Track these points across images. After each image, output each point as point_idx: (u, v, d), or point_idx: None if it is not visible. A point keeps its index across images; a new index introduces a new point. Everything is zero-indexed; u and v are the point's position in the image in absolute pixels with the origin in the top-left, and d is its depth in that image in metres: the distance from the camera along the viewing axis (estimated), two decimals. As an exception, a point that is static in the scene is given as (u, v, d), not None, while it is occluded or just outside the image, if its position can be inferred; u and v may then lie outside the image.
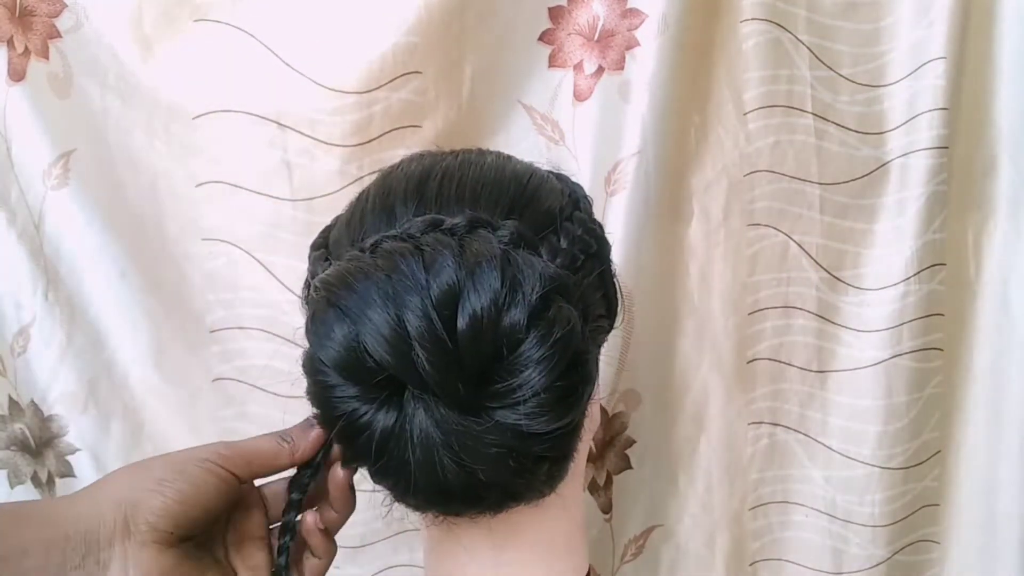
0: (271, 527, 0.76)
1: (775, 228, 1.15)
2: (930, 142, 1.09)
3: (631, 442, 1.20)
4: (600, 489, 1.20)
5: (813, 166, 1.13)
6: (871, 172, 1.13)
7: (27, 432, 1.16)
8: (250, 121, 1.07)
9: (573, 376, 0.60)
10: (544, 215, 0.67)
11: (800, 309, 1.17)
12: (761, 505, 1.22)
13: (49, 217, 1.11)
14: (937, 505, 1.22)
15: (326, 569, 0.75)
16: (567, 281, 0.61)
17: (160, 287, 1.14)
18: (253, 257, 1.12)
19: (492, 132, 1.13)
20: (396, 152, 1.07)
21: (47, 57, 1.07)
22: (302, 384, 0.64)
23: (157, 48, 1.08)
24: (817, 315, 1.17)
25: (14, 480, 1.18)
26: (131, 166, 1.11)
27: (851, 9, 1.10)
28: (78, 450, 1.16)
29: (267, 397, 1.14)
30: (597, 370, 0.69)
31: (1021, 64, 1.09)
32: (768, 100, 1.11)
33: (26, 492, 1.18)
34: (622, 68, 1.09)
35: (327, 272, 0.62)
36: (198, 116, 1.08)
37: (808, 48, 1.10)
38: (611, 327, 0.75)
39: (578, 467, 0.72)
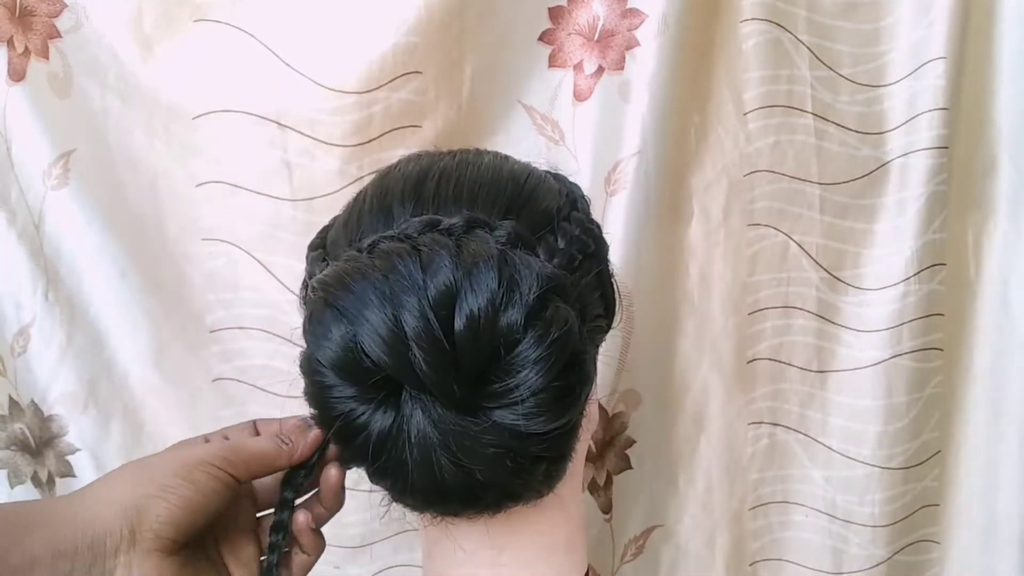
0: (258, 516, 0.76)
1: (775, 228, 1.14)
2: (930, 142, 1.09)
3: (631, 442, 1.20)
4: (600, 489, 1.20)
5: (813, 166, 1.13)
6: (871, 172, 1.13)
7: (27, 432, 1.16)
8: (250, 121, 1.07)
9: (570, 376, 0.60)
10: (541, 215, 0.67)
11: (800, 309, 1.17)
12: (761, 505, 1.22)
13: (49, 217, 1.11)
14: (937, 505, 1.22)
15: (313, 564, 0.76)
16: (564, 281, 0.61)
17: (160, 287, 1.14)
18: (253, 257, 1.12)
19: (492, 132, 1.13)
20: (396, 152, 1.06)
21: (47, 57, 1.07)
22: (301, 384, 0.64)
23: (157, 48, 1.08)
24: (817, 315, 1.17)
25: (14, 480, 1.19)
26: (131, 166, 1.11)
27: (851, 9, 1.10)
28: (78, 450, 1.16)
29: (267, 397, 1.14)
30: (595, 370, 0.68)
31: (1021, 64, 1.09)
32: (768, 100, 1.11)
33: (26, 492, 1.19)
34: (622, 68, 1.09)
35: (324, 272, 0.62)
36: (198, 116, 1.08)
37: (808, 48, 1.10)
38: (609, 327, 0.75)
39: (576, 467, 0.72)
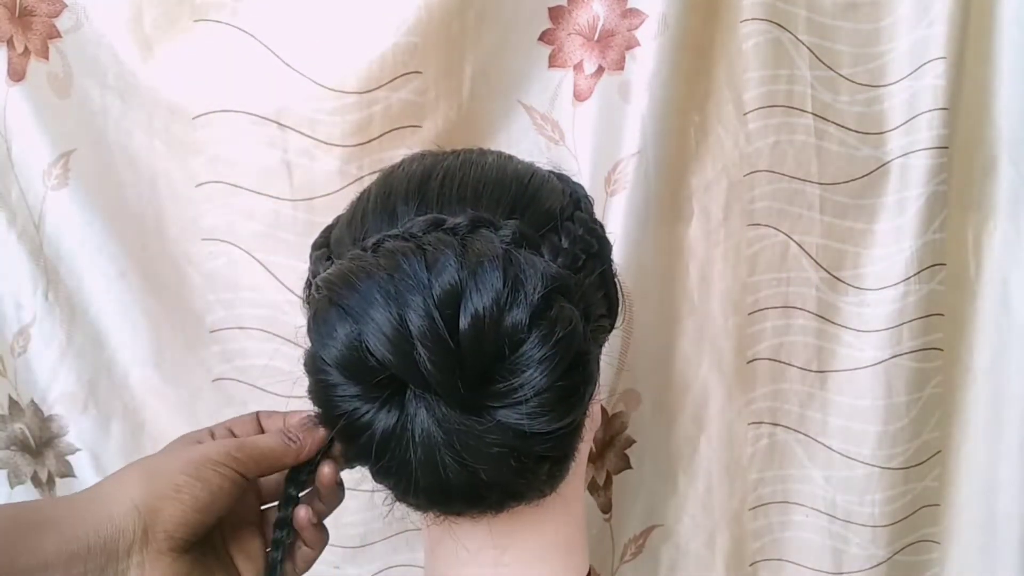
0: (262, 509, 0.77)
1: (775, 228, 1.15)
2: (930, 142, 1.09)
3: (631, 442, 1.20)
4: (600, 489, 1.20)
5: (813, 166, 1.13)
6: (871, 172, 1.13)
7: (27, 432, 1.16)
8: (250, 121, 1.07)
9: (575, 376, 0.60)
10: (545, 215, 0.67)
11: (800, 309, 1.17)
12: (761, 505, 1.22)
13: (49, 217, 1.11)
14: (937, 505, 1.22)
15: (317, 557, 0.76)
16: (569, 281, 0.61)
17: (160, 287, 1.14)
18: (253, 257, 1.12)
19: (492, 132, 1.13)
20: (396, 152, 1.06)
21: (47, 57, 1.07)
22: (302, 384, 0.64)
23: (157, 48, 1.08)
24: (817, 315, 1.17)
25: (14, 480, 1.18)
26: (131, 166, 1.11)
27: (851, 9, 1.10)
28: (78, 450, 1.16)
29: (267, 397, 1.14)
30: (598, 370, 0.69)
31: (1021, 64, 1.09)
32: (768, 100, 1.11)
33: (26, 492, 1.18)
34: (622, 68, 1.09)
35: (329, 271, 0.62)
36: (198, 116, 1.08)
37: (808, 48, 1.10)
38: (612, 327, 0.75)
39: (579, 467, 0.72)
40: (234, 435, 0.76)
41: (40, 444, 1.17)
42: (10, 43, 1.07)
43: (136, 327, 1.14)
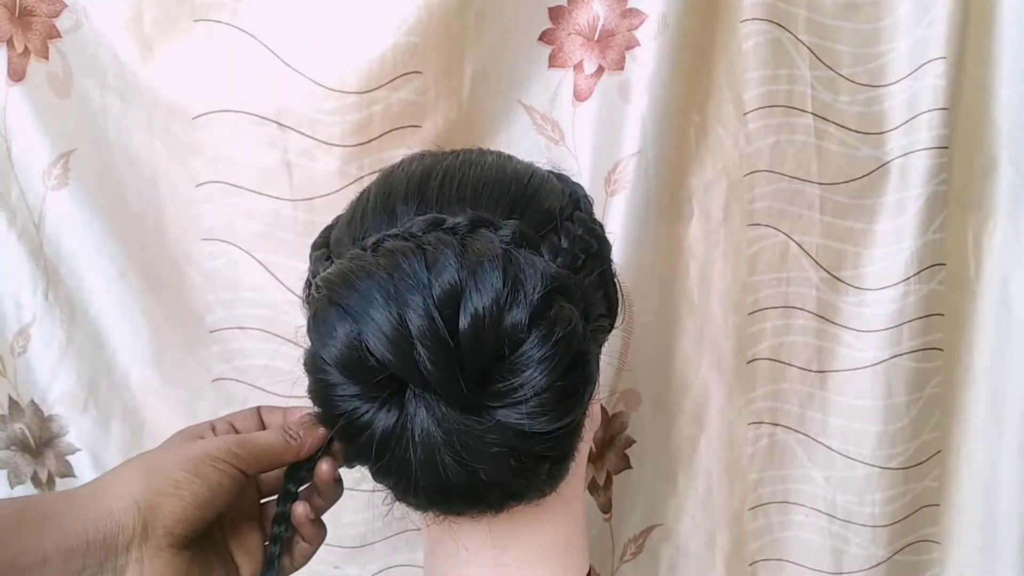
0: (262, 503, 0.77)
1: (775, 228, 1.15)
2: (930, 142, 1.09)
3: (631, 442, 1.20)
4: (600, 489, 1.20)
5: (813, 166, 1.13)
6: (871, 172, 1.13)
7: (27, 432, 1.16)
8: (250, 121, 1.07)
9: (574, 376, 0.60)
10: (545, 215, 0.67)
11: (800, 309, 1.17)
12: (761, 505, 1.22)
13: (49, 217, 1.11)
14: (937, 505, 1.22)
15: (314, 552, 0.76)
16: (568, 281, 0.61)
17: (160, 287, 1.14)
18: (253, 257, 1.12)
19: (492, 132, 1.13)
20: (396, 152, 1.06)
21: (47, 57, 1.07)
22: (302, 384, 0.65)
23: (157, 48, 1.08)
24: (817, 315, 1.17)
25: (14, 480, 1.18)
26: (131, 166, 1.11)
27: (851, 9, 1.10)
28: (78, 450, 1.16)
29: (267, 397, 1.14)
30: (598, 370, 0.69)
31: (1021, 64, 1.09)
32: (768, 100, 1.11)
33: (26, 492, 1.18)
34: (622, 68, 1.09)
35: (329, 271, 0.62)
36: (198, 116, 1.08)
37: (808, 48, 1.10)
38: (612, 327, 0.75)
39: (579, 467, 0.72)
40: (235, 430, 0.76)
41: (40, 444, 1.17)
42: (10, 43, 1.07)
43: (136, 327, 1.14)
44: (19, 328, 1.14)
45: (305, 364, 0.63)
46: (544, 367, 0.58)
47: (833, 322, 1.17)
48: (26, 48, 1.07)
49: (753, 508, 1.22)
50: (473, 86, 1.09)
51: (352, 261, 0.61)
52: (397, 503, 0.67)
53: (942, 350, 1.17)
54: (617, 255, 1.03)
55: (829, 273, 1.16)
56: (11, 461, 1.18)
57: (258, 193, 1.10)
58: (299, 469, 0.73)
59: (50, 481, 1.18)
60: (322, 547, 0.77)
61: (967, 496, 1.21)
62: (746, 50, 1.09)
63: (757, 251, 1.15)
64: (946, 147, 1.09)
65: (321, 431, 0.70)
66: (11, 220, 1.11)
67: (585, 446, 0.71)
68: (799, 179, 1.13)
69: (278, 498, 0.74)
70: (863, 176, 1.13)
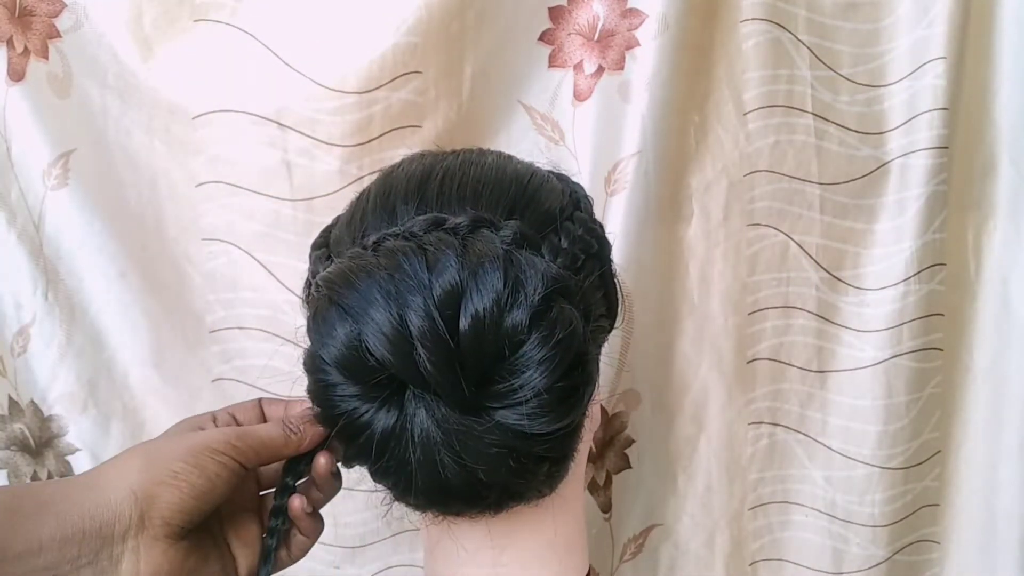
0: (261, 495, 0.77)
1: (775, 228, 1.14)
2: (930, 142, 1.09)
3: (630, 442, 1.20)
4: (599, 488, 1.20)
5: (813, 166, 1.13)
6: (871, 172, 1.13)
7: (27, 432, 1.16)
8: (250, 121, 1.07)
9: (574, 377, 0.60)
10: (545, 215, 0.67)
11: (800, 309, 1.17)
12: (761, 505, 1.22)
13: (49, 217, 1.11)
14: (937, 505, 1.22)
15: (312, 545, 0.77)
16: (569, 282, 0.61)
17: (160, 287, 1.14)
18: (253, 257, 1.12)
19: (492, 132, 1.13)
20: (396, 152, 1.06)
21: (47, 57, 1.07)
22: (302, 384, 0.64)
23: (157, 48, 1.07)
24: (817, 315, 1.17)
25: (14, 480, 1.18)
26: (131, 166, 1.11)
27: (851, 9, 1.10)
28: (78, 450, 1.16)
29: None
30: (598, 371, 0.69)
31: (1021, 64, 1.09)
32: (768, 100, 1.11)
33: (26, 492, 1.18)
34: (622, 68, 1.09)
35: (329, 270, 0.62)
36: (198, 116, 1.08)
37: (808, 48, 1.10)
38: (612, 327, 0.75)
39: (579, 467, 0.72)
40: (237, 421, 0.76)
41: (40, 444, 1.17)
42: (10, 43, 1.07)
43: (136, 327, 1.14)
44: (19, 328, 1.14)
45: (305, 364, 0.63)
46: (544, 368, 0.58)
47: (833, 322, 1.17)
48: (26, 48, 1.07)
49: (753, 508, 1.22)
50: (473, 86, 1.09)
51: (352, 260, 0.61)
52: (396, 503, 0.67)
53: (942, 350, 1.17)
54: (617, 255, 1.03)
55: (829, 273, 1.16)
56: (11, 461, 1.18)
57: (258, 193, 1.10)
58: (298, 463, 0.73)
59: (50, 481, 1.18)
60: (322, 547, 0.77)
61: (967, 496, 1.21)
62: (746, 50, 1.09)
63: (757, 251, 1.15)
64: (946, 147, 1.09)
65: (321, 428, 0.70)
66: (11, 220, 1.11)
67: (585, 446, 0.71)
68: (799, 179, 1.13)
69: (276, 491, 0.74)
70: (863, 176, 1.13)
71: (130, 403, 1.16)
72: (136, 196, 1.11)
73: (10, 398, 1.15)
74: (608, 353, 1.13)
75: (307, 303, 0.68)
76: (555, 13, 1.10)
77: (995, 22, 1.10)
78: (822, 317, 1.17)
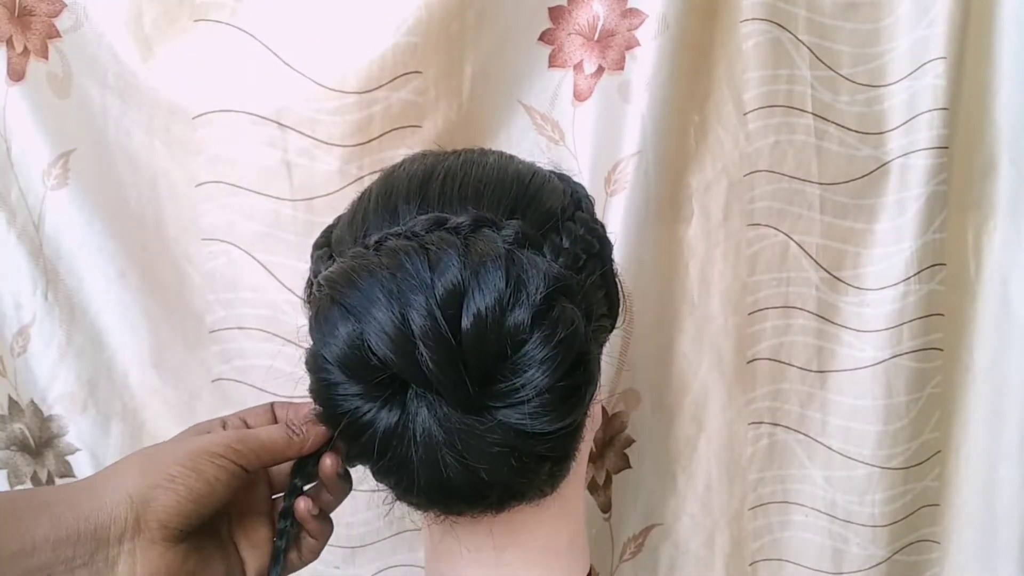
0: (273, 498, 0.77)
1: (775, 228, 1.15)
2: (930, 142, 1.09)
3: (630, 441, 1.20)
4: (599, 488, 1.20)
5: (813, 166, 1.13)
6: (871, 172, 1.13)
7: (27, 432, 1.16)
8: (250, 121, 1.07)
9: (576, 376, 0.60)
10: (546, 215, 0.67)
11: (800, 309, 1.17)
12: (761, 505, 1.22)
13: (49, 217, 1.11)
14: (937, 505, 1.22)
15: (322, 547, 0.77)
16: (571, 281, 0.61)
17: (160, 287, 1.14)
18: (253, 257, 1.12)
19: (492, 132, 1.13)
20: (396, 152, 1.06)
21: (46, 57, 1.07)
22: (303, 384, 0.65)
23: (157, 48, 1.07)
24: (817, 315, 1.17)
25: (14, 480, 1.18)
26: (131, 166, 1.11)
27: (851, 9, 1.10)
28: (78, 450, 1.16)
29: (267, 398, 1.14)
30: (599, 370, 0.69)
31: (1021, 64, 1.09)
32: (768, 100, 1.11)
33: (25, 492, 1.18)
34: (622, 68, 1.09)
35: (331, 269, 0.62)
36: (198, 116, 1.08)
37: (808, 48, 1.10)
38: (613, 327, 0.75)
39: (580, 467, 0.72)
40: (247, 426, 0.77)
41: (40, 444, 1.17)
42: (9, 43, 1.07)
43: (136, 327, 1.14)
44: (19, 328, 1.13)
45: (307, 363, 0.63)
46: (546, 367, 0.58)
47: (833, 322, 1.17)
48: (25, 48, 1.07)
49: (753, 508, 1.22)
50: (473, 86, 1.09)
51: (354, 260, 0.61)
52: (397, 503, 0.67)
53: (942, 350, 1.17)
54: (617, 255, 1.03)
55: (829, 273, 1.16)
56: (11, 461, 1.17)
57: (258, 193, 1.10)
58: (305, 464, 0.73)
59: (50, 481, 1.17)
60: (322, 547, 0.77)
61: (967, 496, 1.21)
62: (746, 50, 1.10)
63: (757, 251, 1.15)
64: (946, 147, 1.09)
65: (324, 428, 0.70)
66: (11, 220, 1.11)
67: (586, 446, 0.71)
68: (799, 179, 1.13)
69: (285, 493, 0.74)
70: (863, 176, 1.13)
71: (130, 403, 1.16)
72: (136, 196, 1.11)
73: (10, 398, 1.15)
74: (608, 353, 1.13)
75: (309, 303, 0.68)
76: (555, 13, 1.10)
77: (995, 22, 1.10)
78: (822, 317, 1.17)
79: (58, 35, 1.07)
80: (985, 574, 1.21)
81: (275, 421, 0.78)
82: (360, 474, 0.68)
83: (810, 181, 1.13)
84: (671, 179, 1.12)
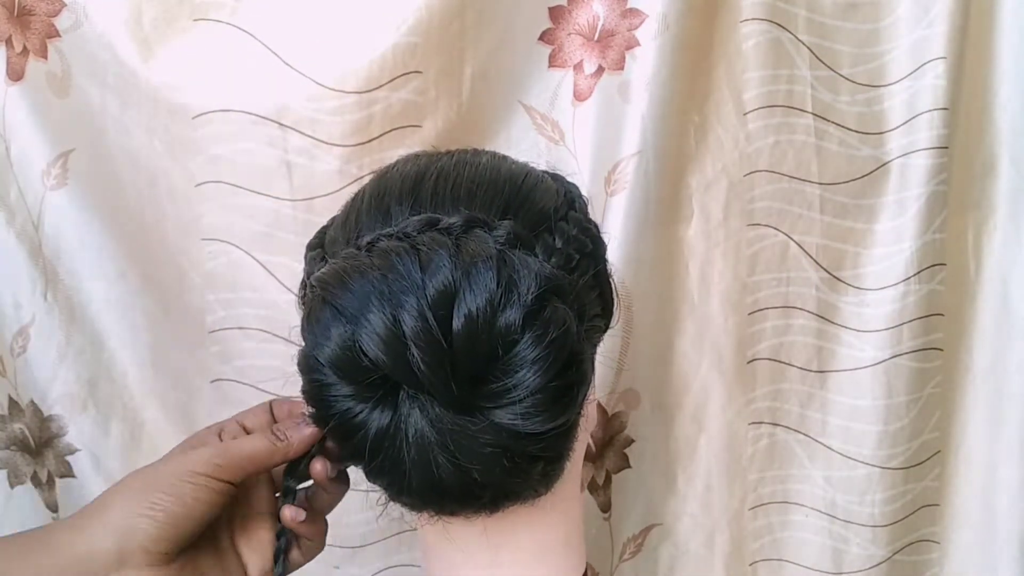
0: (277, 497, 0.77)
1: (775, 228, 1.14)
2: (930, 142, 1.09)
3: (630, 441, 1.20)
4: (599, 488, 1.20)
5: (813, 166, 1.13)
6: (871, 172, 1.13)
7: (27, 432, 1.16)
8: (250, 121, 1.07)
9: (568, 376, 0.60)
10: (539, 215, 0.66)
11: (800, 309, 1.17)
12: (761, 505, 1.22)
13: (48, 217, 1.11)
14: (937, 505, 1.22)
15: (320, 548, 0.77)
16: (562, 281, 0.61)
17: (160, 287, 1.14)
18: (253, 257, 1.12)
19: (492, 132, 1.13)
20: (396, 152, 1.06)
21: (46, 57, 1.07)
22: (296, 383, 0.65)
23: (157, 48, 1.07)
24: (817, 315, 1.17)
25: (14, 480, 1.18)
26: (131, 166, 1.10)
27: (851, 9, 1.10)
28: (78, 450, 1.16)
29: (267, 398, 1.14)
30: (592, 370, 0.69)
31: (1021, 64, 1.09)
32: (768, 100, 1.11)
33: (26, 492, 1.18)
34: (622, 68, 1.09)
35: (323, 271, 0.62)
36: (198, 116, 1.08)
37: (808, 48, 1.10)
38: (607, 327, 0.75)
39: (575, 467, 0.72)
40: (246, 430, 0.77)
41: (40, 444, 1.17)
42: (9, 42, 1.07)
43: (136, 327, 1.14)
44: (18, 328, 1.14)
45: (299, 364, 0.63)
46: (538, 368, 0.58)
47: (833, 322, 1.17)
48: (25, 47, 1.07)
49: (753, 508, 1.22)
50: (473, 86, 1.09)
51: (346, 261, 0.61)
52: (391, 504, 0.67)
53: (942, 350, 1.17)
54: (617, 255, 1.04)
55: (829, 273, 1.16)
56: (11, 461, 1.18)
57: (258, 193, 1.10)
58: (296, 466, 0.73)
59: (50, 481, 1.18)
60: (321, 547, 0.77)
61: (967, 496, 1.21)
62: (746, 50, 1.09)
63: (757, 251, 1.15)
64: (946, 147, 1.09)
65: (310, 428, 0.70)
66: (10, 220, 1.11)
67: (581, 446, 0.71)
68: (799, 179, 1.13)
69: (281, 494, 0.74)
70: (863, 176, 1.13)
71: (130, 403, 1.16)
72: (135, 196, 1.11)
73: (10, 398, 1.15)
74: (608, 353, 1.13)
75: (302, 303, 0.68)
76: (555, 13, 1.10)
77: (995, 22, 1.10)
78: (822, 317, 1.17)
79: (57, 35, 1.07)
80: (985, 574, 1.21)
81: (274, 420, 0.78)
82: (359, 474, 0.68)
83: (810, 181, 1.13)
84: (671, 179, 1.12)
